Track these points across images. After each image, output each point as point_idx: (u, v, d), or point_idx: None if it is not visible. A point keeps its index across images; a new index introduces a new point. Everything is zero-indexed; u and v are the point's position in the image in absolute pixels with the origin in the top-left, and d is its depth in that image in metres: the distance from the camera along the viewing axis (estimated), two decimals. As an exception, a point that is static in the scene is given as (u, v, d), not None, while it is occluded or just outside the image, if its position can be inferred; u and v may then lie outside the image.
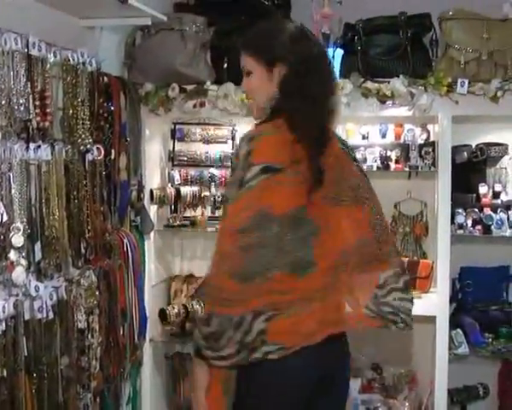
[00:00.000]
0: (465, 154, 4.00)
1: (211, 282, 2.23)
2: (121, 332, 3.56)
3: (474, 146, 4.06)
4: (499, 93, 3.56)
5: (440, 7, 3.72)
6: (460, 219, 3.89)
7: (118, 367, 3.54)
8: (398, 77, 3.64)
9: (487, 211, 3.94)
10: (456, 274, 4.21)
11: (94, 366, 3.27)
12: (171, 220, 4.24)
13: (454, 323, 4.00)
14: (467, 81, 3.58)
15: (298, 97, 2.29)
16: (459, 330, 3.97)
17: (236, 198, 2.22)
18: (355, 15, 3.80)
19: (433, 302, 3.85)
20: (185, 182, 4.27)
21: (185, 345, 4.36)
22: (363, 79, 3.69)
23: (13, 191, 2.75)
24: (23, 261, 2.73)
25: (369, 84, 3.68)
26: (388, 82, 3.65)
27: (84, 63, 3.21)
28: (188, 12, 3.97)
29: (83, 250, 3.23)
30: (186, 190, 4.21)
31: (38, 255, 2.88)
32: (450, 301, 4.09)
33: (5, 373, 2.66)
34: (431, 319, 3.81)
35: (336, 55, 3.80)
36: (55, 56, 3.01)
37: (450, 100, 3.63)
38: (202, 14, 3.90)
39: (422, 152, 3.95)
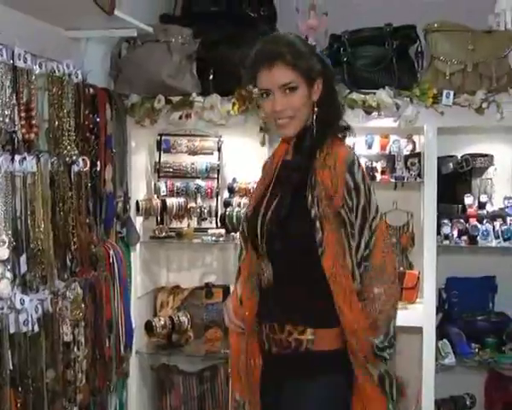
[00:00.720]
0: (451, 164, 4.02)
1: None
2: (107, 344, 3.54)
3: (459, 157, 4.08)
4: (484, 104, 3.58)
5: (426, 18, 3.74)
6: (446, 229, 3.89)
7: (104, 380, 3.51)
8: (384, 88, 3.65)
9: (473, 222, 3.94)
10: (443, 284, 4.21)
11: (80, 379, 3.24)
12: (157, 232, 4.22)
13: (440, 333, 4.02)
14: (452, 92, 3.60)
15: (333, 110, 2.41)
16: (446, 340, 3.96)
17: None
18: (341, 26, 3.80)
19: (419, 313, 3.87)
20: (171, 193, 4.27)
21: (171, 356, 4.37)
22: (348, 91, 3.70)
23: (-1, 204, 2.74)
24: (8, 274, 2.71)
25: (355, 96, 3.68)
26: (374, 93, 3.66)
27: (69, 75, 3.20)
28: (174, 23, 3.97)
29: (68, 262, 3.22)
30: (172, 202, 4.21)
31: (24, 268, 2.86)
32: (437, 312, 4.10)
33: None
34: (418, 330, 3.82)
35: None
36: (41, 68, 3.00)
37: (436, 111, 3.65)
38: (188, 25, 3.91)
39: (408, 163, 3.97)
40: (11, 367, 2.75)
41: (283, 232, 2.30)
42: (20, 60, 2.82)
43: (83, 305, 3.26)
